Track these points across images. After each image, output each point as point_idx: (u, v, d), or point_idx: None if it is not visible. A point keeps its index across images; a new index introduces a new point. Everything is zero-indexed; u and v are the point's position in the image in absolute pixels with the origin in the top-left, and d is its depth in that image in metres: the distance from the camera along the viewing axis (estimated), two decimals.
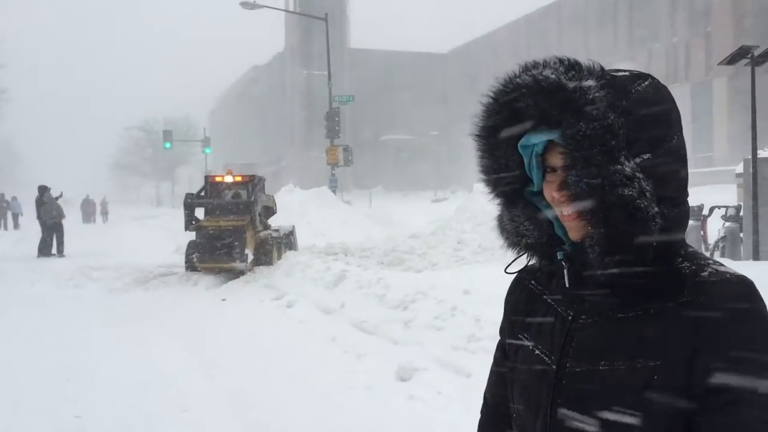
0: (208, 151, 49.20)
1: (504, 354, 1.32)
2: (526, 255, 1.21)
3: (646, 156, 1.02)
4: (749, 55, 9.49)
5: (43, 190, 18.71)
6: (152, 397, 5.40)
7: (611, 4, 43.09)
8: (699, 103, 35.57)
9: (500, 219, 1.21)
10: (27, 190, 21.72)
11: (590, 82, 1.03)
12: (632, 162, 1.01)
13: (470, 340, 5.90)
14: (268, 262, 12.37)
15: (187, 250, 12.63)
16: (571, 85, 1.02)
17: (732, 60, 9.74)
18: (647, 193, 1.00)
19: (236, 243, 11.80)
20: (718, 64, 10.58)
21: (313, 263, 11.30)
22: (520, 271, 1.30)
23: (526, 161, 1.12)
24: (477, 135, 1.17)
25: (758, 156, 9.81)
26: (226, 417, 4.93)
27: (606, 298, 1.08)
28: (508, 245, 1.21)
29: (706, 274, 1.04)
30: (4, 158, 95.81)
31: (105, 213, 44.83)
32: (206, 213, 12.77)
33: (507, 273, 1.30)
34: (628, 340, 1.04)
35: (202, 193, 13.17)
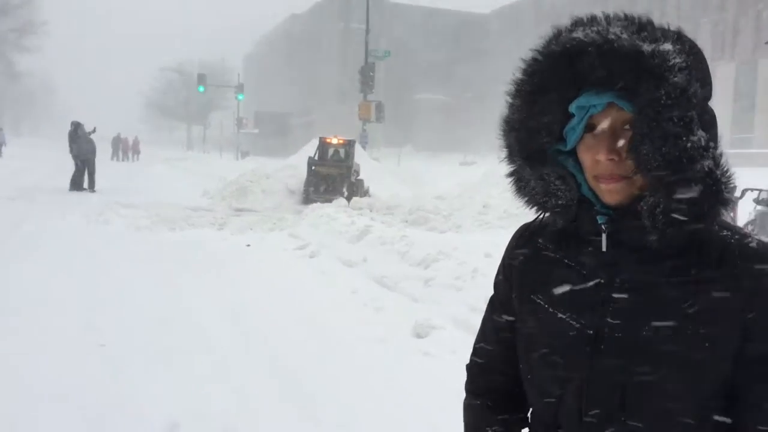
0: (241, 97, 49.27)
1: (506, 315, 1.27)
2: (543, 215, 1.18)
3: (706, 122, 1.00)
4: None
5: (76, 125, 18.95)
6: (174, 333, 5.54)
7: None
8: (743, 83, 34.67)
9: (519, 177, 1.17)
10: (60, 124, 21.95)
11: (668, 46, 0.98)
12: (701, 130, 0.98)
13: None
14: (357, 196, 16.22)
15: (304, 187, 17.31)
16: (648, 48, 0.97)
17: None
18: (720, 163, 0.99)
19: (338, 184, 17.13)
20: (765, 43, 10.27)
21: (338, 216, 11.38)
22: (522, 229, 1.28)
23: (576, 121, 1.07)
24: (519, 90, 1.11)
25: None
26: (245, 356, 5.05)
27: (645, 263, 1.06)
28: (531, 204, 1.17)
29: (754, 244, 1.04)
30: (40, 91, 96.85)
31: (136, 152, 45.18)
32: (321, 162, 17.66)
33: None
34: (675, 306, 1.02)
35: (316, 155, 18.15)
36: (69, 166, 19.24)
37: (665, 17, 40.13)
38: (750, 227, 10.57)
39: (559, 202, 1.12)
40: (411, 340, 5.55)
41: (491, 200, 14.73)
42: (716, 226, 1.05)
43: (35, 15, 63.08)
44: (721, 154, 1.02)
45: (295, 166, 19.45)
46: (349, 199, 15.81)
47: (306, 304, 6.77)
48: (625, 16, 1.02)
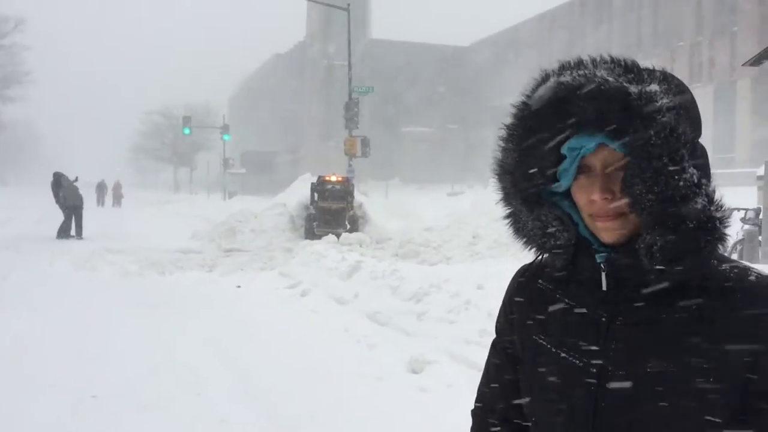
0: (227, 137, 49.44)
1: (508, 358, 1.28)
2: (542, 255, 1.18)
3: (698, 160, 1.01)
4: None
5: (58, 175, 19.11)
6: (166, 380, 5.47)
7: (636, 1, 42.64)
8: (721, 104, 35.18)
9: (517, 218, 1.17)
10: (47, 171, 21.90)
11: (654, 87, 1.00)
12: (692, 168, 0.99)
13: (483, 335, 5.91)
14: (356, 230, 17.37)
15: (307, 222, 17.96)
16: (636, 89, 0.99)
17: (757, 61, 9.63)
18: (713, 198, 1.00)
19: (341, 218, 17.92)
20: (742, 65, 10.47)
21: (329, 253, 11.35)
22: (522, 271, 1.28)
23: (569, 163, 1.08)
24: (511, 135, 1.12)
25: None
26: (238, 401, 4.98)
27: (645, 301, 1.05)
28: (530, 245, 1.17)
29: (753, 278, 1.04)
30: (25, 139, 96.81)
31: (119, 197, 43.90)
32: (321, 199, 18.34)
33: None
34: (679, 342, 1.02)
35: (316, 192, 18.95)
36: (55, 214, 19.16)
37: (641, 42, 40.81)
38: (738, 247, 10.64)
39: (558, 242, 1.12)
40: (407, 375, 5.51)
41: (480, 230, 14.77)
42: (715, 261, 1.05)
43: (19, 65, 63.43)
44: (714, 190, 1.02)
45: (284, 204, 19.45)
46: (351, 231, 17.19)
47: (299, 344, 6.71)
48: (611, 59, 1.04)
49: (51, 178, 19.26)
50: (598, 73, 1.01)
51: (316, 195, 18.70)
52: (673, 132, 0.98)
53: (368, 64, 57.81)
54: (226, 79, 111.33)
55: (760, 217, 10.51)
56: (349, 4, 28.58)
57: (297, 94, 66.52)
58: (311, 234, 17.22)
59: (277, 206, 19.42)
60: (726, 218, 1.02)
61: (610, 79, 1.00)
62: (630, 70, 1.02)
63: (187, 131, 45.78)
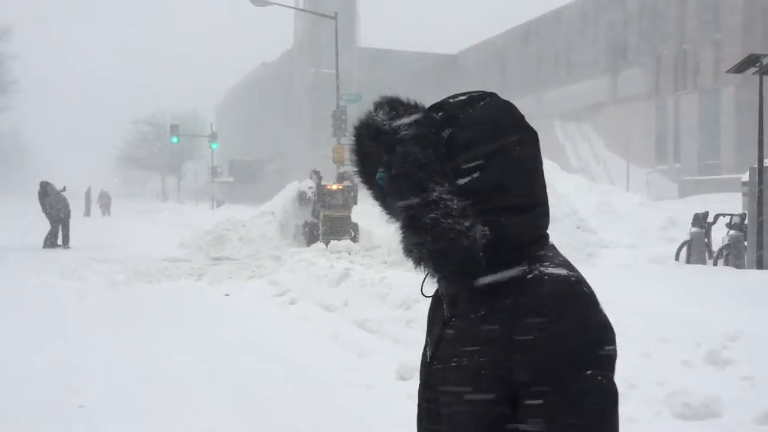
0: (214, 146, 49.29)
1: None
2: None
3: (474, 175, 1.10)
4: (757, 64, 9.47)
5: (44, 185, 18.96)
6: (154, 389, 5.43)
7: (621, 9, 42.98)
8: (707, 111, 35.50)
9: None
10: (33, 181, 21.68)
11: (402, 121, 1.12)
12: (445, 186, 1.09)
13: None
14: (357, 239, 17.38)
15: (308, 231, 18.44)
16: (385, 126, 1.13)
17: (740, 68, 9.73)
18: (454, 213, 1.08)
19: (345, 225, 18.33)
20: (726, 72, 10.58)
21: (318, 261, 11.33)
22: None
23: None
24: (357, 171, 1.27)
25: (764, 165, 9.80)
26: (227, 410, 4.96)
27: (454, 305, 1.21)
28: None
29: (531, 276, 1.11)
30: (11, 149, 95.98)
31: (105, 205, 43.59)
32: (325, 207, 18.55)
33: (424, 295, 1.43)
34: (469, 340, 1.13)
35: (317, 198, 19.24)
36: (42, 224, 19.02)
37: (626, 50, 41.12)
38: (725, 252, 10.71)
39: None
40: (396, 383, 5.50)
41: None
42: (525, 261, 1.12)
43: (4, 75, 62.99)
44: (459, 205, 1.09)
45: (272, 212, 19.39)
46: (354, 239, 17.44)
47: (289, 353, 6.69)
48: (391, 100, 1.19)
49: (38, 188, 19.15)
50: (376, 114, 1.16)
51: (316, 203, 18.73)
52: (407, 159, 1.09)
53: (356, 72, 57.91)
54: (213, 88, 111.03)
55: (745, 222, 10.59)
56: (336, 13, 28.65)
57: (285, 102, 66.52)
58: (313, 241, 17.13)
59: (265, 214, 19.37)
60: (515, 225, 1.12)
61: (377, 118, 1.15)
62: (395, 108, 1.16)
63: (174, 140, 45.60)
